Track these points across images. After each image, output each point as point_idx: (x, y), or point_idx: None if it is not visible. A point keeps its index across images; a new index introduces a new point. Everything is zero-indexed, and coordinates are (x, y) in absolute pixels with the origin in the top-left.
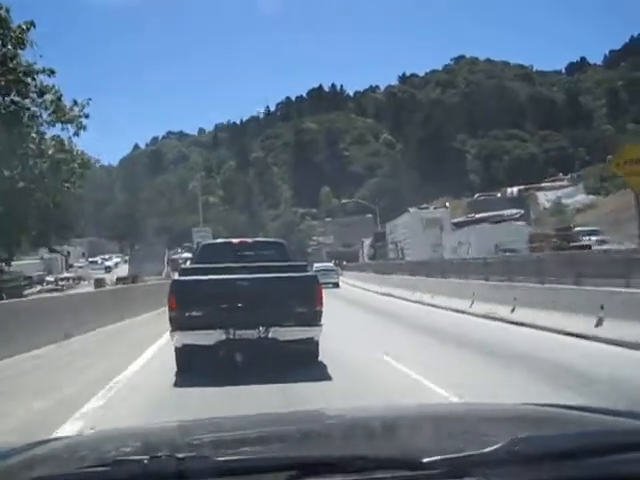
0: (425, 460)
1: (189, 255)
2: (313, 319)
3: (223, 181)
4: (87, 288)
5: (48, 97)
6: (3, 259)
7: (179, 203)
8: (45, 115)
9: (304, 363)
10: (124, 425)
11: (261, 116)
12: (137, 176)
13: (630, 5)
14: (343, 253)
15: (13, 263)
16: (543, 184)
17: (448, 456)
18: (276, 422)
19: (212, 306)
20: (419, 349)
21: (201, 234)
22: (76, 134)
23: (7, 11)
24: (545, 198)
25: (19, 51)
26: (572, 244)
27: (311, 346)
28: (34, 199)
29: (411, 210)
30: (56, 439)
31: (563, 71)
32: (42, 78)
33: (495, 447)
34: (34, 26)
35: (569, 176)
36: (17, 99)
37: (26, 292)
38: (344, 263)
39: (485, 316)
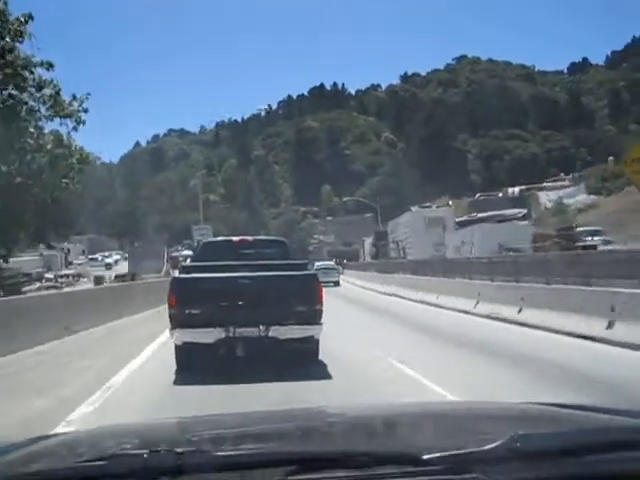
0: (425, 457)
1: (189, 253)
2: (313, 318)
3: (224, 179)
4: (86, 285)
5: (46, 91)
6: (1, 255)
7: (180, 201)
8: (43, 109)
9: (304, 362)
10: (124, 421)
11: (263, 114)
12: (138, 173)
13: (632, 6)
14: (344, 252)
15: (12, 259)
16: (544, 184)
17: (448, 453)
18: (276, 419)
19: (212, 304)
20: (425, 351)
21: (201, 232)
22: (75, 129)
23: (5, 3)
24: (546, 198)
25: (17, 44)
26: (577, 244)
27: (311, 345)
28: (31, 194)
29: (413, 209)
30: (55, 435)
31: (565, 71)
32: (41, 72)
33: (495, 444)
34: (32, 18)
35: (571, 176)
36: (15, 93)
37: (25, 289)
38: (345, 262)
39: (490, 316)
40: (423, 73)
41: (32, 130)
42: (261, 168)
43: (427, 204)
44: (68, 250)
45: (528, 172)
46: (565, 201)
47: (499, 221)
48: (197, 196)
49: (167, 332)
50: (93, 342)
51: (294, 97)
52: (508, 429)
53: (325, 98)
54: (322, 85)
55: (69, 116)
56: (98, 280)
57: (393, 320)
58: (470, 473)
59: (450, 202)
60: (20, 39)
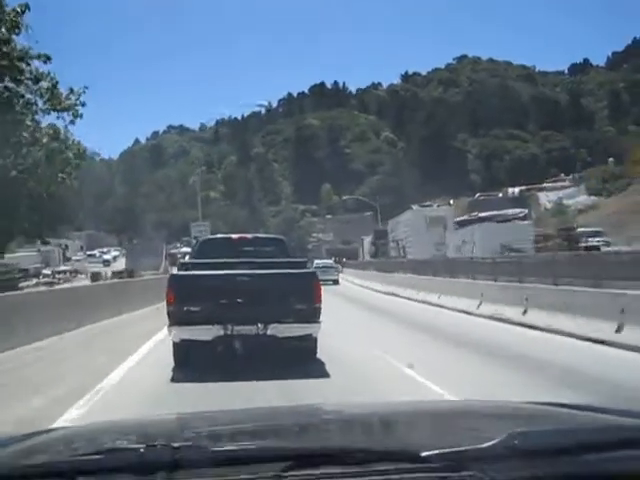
0: (423, 454)
1: (187, 249)
2: (312, 316)
3: (224, 176)
4: (84, 281)
5: (43, 84)
6: None
7: (179, 198)
8: (40, 103)
9: (302, 360)
10: (120, 416)
11: (263, 112)
12: (137, 170)
13: (633, 7)
14: (343, 250)
15: (9, 255)
16: (544, 184)
17: (446, 450)
18: (274, 416)
19: (210, 301)
20: (425, 350)
21: (200, 229)
22: (72, 122)
23: None
24: (546, 199)
25: (13, 36)
26: (579, 245)
27: (309, 343)
28: (27, 188)
29: (414, 208)
30: (53, 429)
31: (566, 72)
32: (38, 65)
33: (493, 442)
34: (29, 9)
35: (571, 177)
36: (11, 85)
37: (22, 284)
38: (344, 260)
39: (493, 317)
40: (424, 72)
41: (29, 123)
42: (261, 166)
43: (427, 203)
44: (66, 246)
45: (528, 172)
46: (565, 202)
47: (500, 221)
48: (196, 193)
49: (165, 329)
50: (92, 338)
51: (294, 95)
52: (506, 427)
53: (326, 96)
54: (323, 83)
55: (66, 110)
56: (95, 277)
57: (393, 319)
58: (468, 471)
59: (451, 201)
60: (17, 30)
